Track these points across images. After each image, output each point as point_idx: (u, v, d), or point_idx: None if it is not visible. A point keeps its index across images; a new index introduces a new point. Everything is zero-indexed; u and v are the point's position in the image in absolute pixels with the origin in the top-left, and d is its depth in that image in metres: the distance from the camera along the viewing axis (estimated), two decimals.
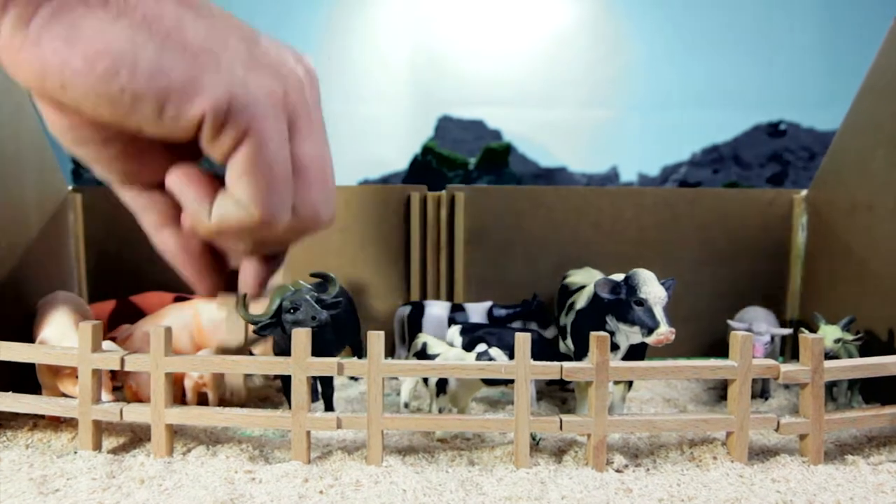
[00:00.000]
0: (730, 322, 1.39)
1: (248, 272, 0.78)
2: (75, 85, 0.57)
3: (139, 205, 0.75)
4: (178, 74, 0.58)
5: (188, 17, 0.60)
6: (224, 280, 0.81)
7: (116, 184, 0.72)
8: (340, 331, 1.30)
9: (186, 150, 0.68)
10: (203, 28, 0.60)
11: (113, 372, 1.19)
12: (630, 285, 1.08)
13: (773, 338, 1.33)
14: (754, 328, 1.31)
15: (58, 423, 1.17)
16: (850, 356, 1.23)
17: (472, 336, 1.28)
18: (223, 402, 1.31)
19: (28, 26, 0.56)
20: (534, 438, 1.12)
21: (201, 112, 0.59)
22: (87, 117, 0.61)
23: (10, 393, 1.09)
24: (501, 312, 1.49)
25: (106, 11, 0.56)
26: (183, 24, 0.59)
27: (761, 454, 1.06)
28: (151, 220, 0.76)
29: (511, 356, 1.27)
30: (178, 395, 1.27)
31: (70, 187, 1.59)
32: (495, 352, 1.10)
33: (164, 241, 0.78)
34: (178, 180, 0.68)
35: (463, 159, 3.71)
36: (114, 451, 1.06)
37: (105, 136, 0.66)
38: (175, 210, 0.74)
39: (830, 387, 1.27)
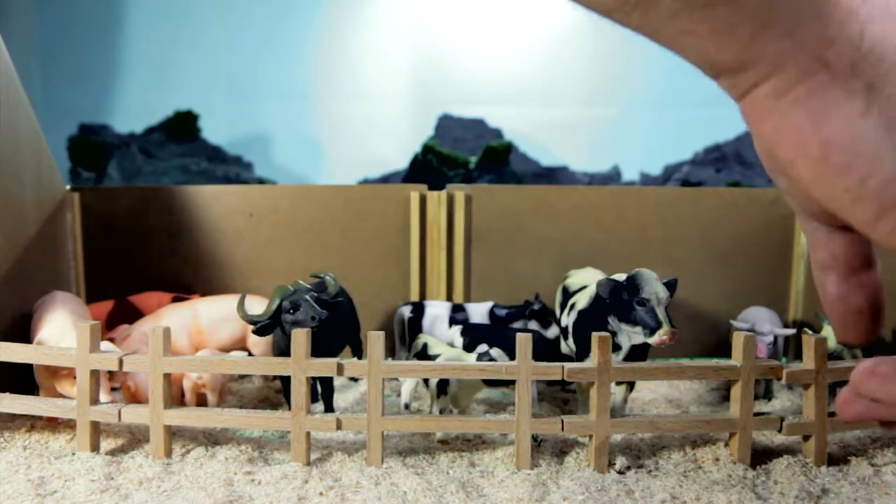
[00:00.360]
0: (733, 322, 1.39)
1: None
2: (803, 165, 0.52)
3: (815, 238, 0.73)
4: None
5: None
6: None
7: (802, 214, 0.64)
8: (340, 331, 1.30)
9: None
10: None
11: (111, 372, 1.19)
12: (632, 285, 1.08)
13: (776, 338, 1.33)
14: (757, 328, 1.31)
15: (55, 425, 1.17)
16: (854, 357, 1.23)
17: (472, 337, 1.28)
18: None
19: (781, 99, 0.52)
20: (535, 440, 1.13)
21: None
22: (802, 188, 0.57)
23: (7, 394, 1.09)
24: (503, 313, 1.49)
25: (865, 100, 0.50)
26: None
27: (764, 455, 1.06)
28: (819, 258, 0.75)
29: (512, 357, 1.27)
30: (178, 396, 1.27)
31: (68, 187, 1.59)
32: (496, 352, 1.10)
33: (822, 281, 0.76)
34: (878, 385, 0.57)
35: (464, 158, 3.70)
36: (112, 453, 1.06)
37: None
38: (848, 260, 0.71)
39: (833, 388, 1.27)
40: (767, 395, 1.38)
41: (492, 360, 1.07)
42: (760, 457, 1.05)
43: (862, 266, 0.65)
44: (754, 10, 0.48)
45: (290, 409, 1.21)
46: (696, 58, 0.53)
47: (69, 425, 1.17)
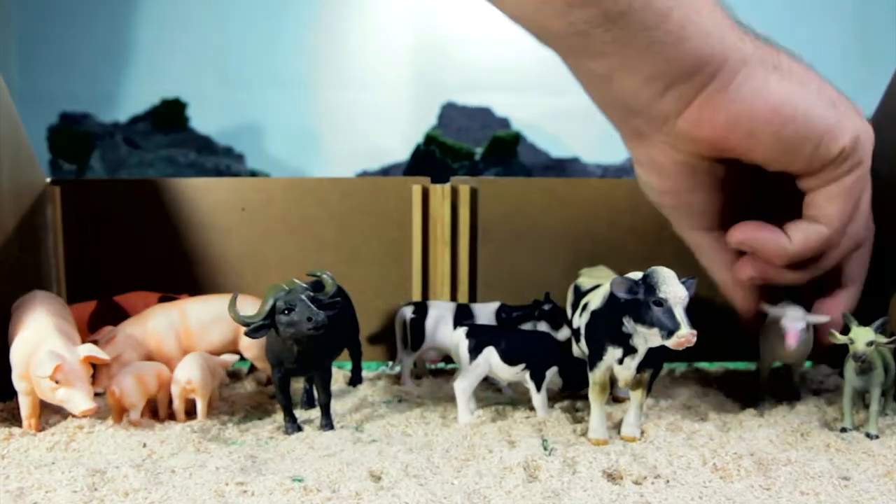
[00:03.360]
0: (764, 305, 1.36)
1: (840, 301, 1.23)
2: (762, 130, 0.85)
3: (714, 244, 1.13)
4: (831, 119, 0.85)
5: (818, 75, 0.89)
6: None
7: (697, 227, 1.11)
8: (338, 333, 1.30)
9: (742, 194, 1.01)
10: (828, 83, 0.89)
11: (93, 377, 1.19)
12: (648, 284, 1.07)
13: (808, 325, 1.32)
14: (789, 313, 1.29)
15: (36, 432, 1.18)
16: (884, 360, 1.23)
17: (478, 339, 1.28)
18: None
19: (727, 90, 0.83)
20: (545, 448, 1.12)
21: (840, 148, 0.87)
22: (733, 160, 0.93)
23: None
24: (511, 313, 1.49)
25: (778, 74, 0.84)
26: (822, 82, 0.87)
27: (788, 464, 1.06)
28: (723, 258, 1.16)
29: (519, 359, 1.28)
30: (166, 401, 1.27)
31: (48, 180, 1.59)
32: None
33: (731, 278, 1.21)
34: (748, 235, 1.05)
35: (468, 149, 3.70)
36: (95, 462, 1.06)
37: (717, 182, 0.99)
38: (727, 256, 1.13)
39: (863, 393, 1.27)
40: (796, 394, 1.39)
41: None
42: (785, 466, 1.05)
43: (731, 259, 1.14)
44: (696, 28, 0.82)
45: (285, 413, 1.22)
46: (649, 74, 0.81)
47: (51, 433, 1.17)
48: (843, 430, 1.22)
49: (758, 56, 0.83)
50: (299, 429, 1.23)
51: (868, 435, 1.20)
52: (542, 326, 1.47)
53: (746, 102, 0.80)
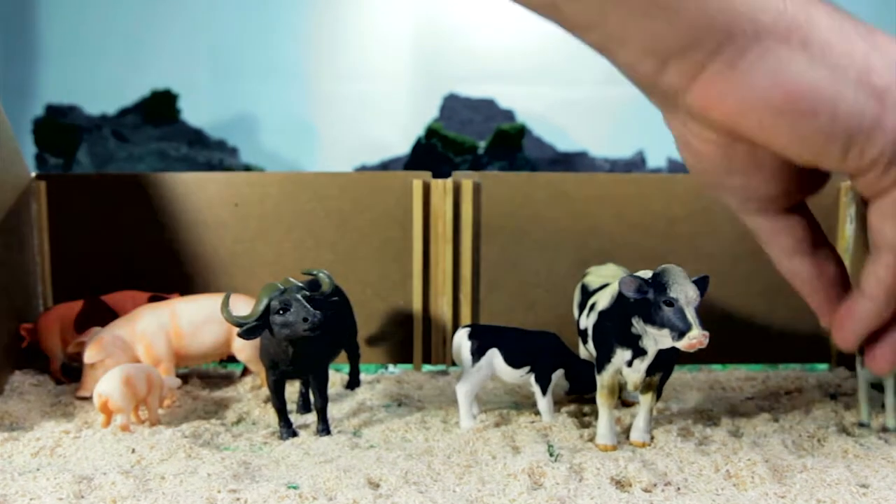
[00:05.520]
0: None
1: None
2: (772, 121, 0.69)
3: (775, 230, 0.87)
4: (868, 119, 0.68)
5: (874, 57, 0.70)
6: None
7: (753, 211, 0.85)
8: (335, 334, 1.30)
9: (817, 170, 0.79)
10: (884, 66, 0.70)
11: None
12: (658, 283, 1.07)
13: None
14: None
15: (17, 437, 1.18)
16: None
17: (481, 339, 1.28)
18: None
19: (735, 68, 0.68)
20: (551, 454, 1.13)
21: (878, 153, 0.69)
22: (762, 149, 0.74)
23: None
24: None
25: (806, 53, 0.68)
26: (870, 65, 0.69)
27: (804, 471, 1.06)
28: (785, 245, 0.87)
29: (524, 362, 1.28)
30: (155, 405, 1.27)
31: (33, 174, 1.59)
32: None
33: (795, 267, 0.88)
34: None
35: (471, 143, 3.70)
36: (82, 468, 1.06)
37: (756, 162, 0.79)
38: (810, 236, 0.85)
39: (879, 387, 1.27)
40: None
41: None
42: (801, 473, 1.05)
43: (821, 241, 0.84)
44: None
45: (279, 418, 1.22)
46: (642, 45, 0.67)
47: (36, 437, 1.17)
48: (861, 425, 1.22)
49: (783, 26, 0.68)
50: (295, 434, 1.23)
51: (886, 429, 1.20)
52: None
53: (757, 87, 0.67)
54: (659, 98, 0.74)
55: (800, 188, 0.81)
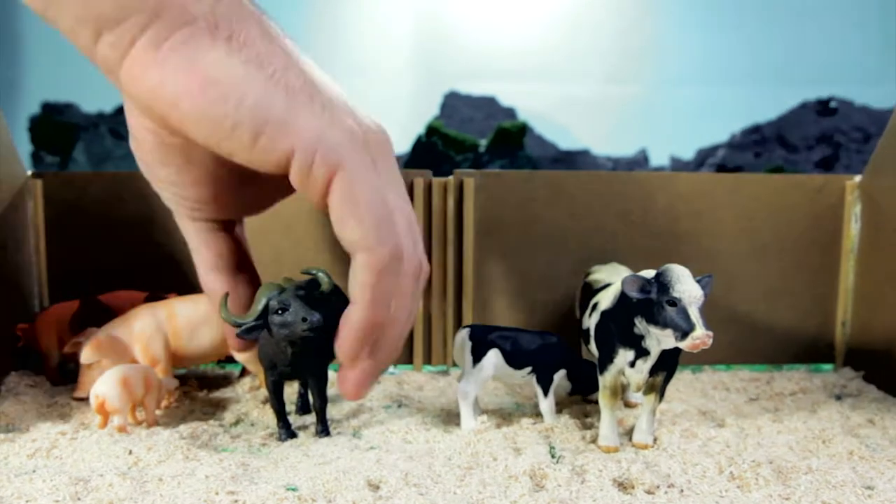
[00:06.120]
0: None
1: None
2: (186, 105, 0.74)
3: (200, 240, 0.96)
4: (277, 110, 0.75)
5: (295, 63, 0.79)
6: None
7: (185, 213, 0.93)
8: (334, 334, 1.30)
9: (260, 190, 0.90)
10: (302, 72, 0.79)
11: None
12: (661, 283, 1.07)
13: None
14: None
15: (13, 438, 1.18)
16: None
17: (483, 340, 1.28)
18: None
19: (160, 48, 0.73)
20: (552, 455, 1.12)
21: (291, 147, 0.76)
22: (183, 137, 0.79)
23: None
24: None
25: (227, 46, 0.75)
26: (288, 67, 0.78)
27: (809, 473, 1.06)
28: (206, 260, 0.98)
29: (526, 362, 1.28)
30: (153, 406, 1.27)
31: (29, 172, 1.59)
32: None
33: (210, 283, 1.00)
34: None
35: (472, 141, 3.70)
36: (78, 470, 1.06)
37: (189, 159, 0.87)
38: (234, 258, 0.97)
39: None
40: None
41: None
42: (806, 475, 1.05)
43: (243, 265, 0.98)
44: None
45: (278, 419, 1.22)
46: (76, 13, 0.71)
47: (32, 439, 1.17)
48: None
49: (212, 20, 0.74)
50: (293, 435, 1.23)
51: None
52: None
53: (174, 69, 0.72)
54: (110, 77, 0.77)
55: (235, 203, 0.91)
